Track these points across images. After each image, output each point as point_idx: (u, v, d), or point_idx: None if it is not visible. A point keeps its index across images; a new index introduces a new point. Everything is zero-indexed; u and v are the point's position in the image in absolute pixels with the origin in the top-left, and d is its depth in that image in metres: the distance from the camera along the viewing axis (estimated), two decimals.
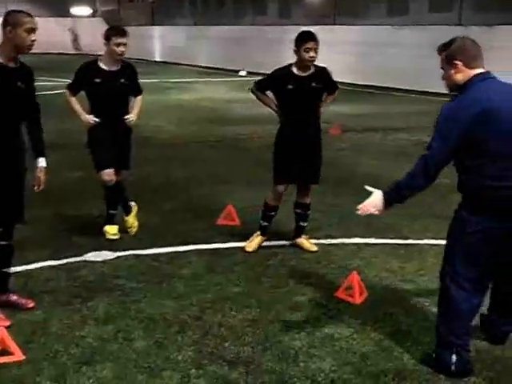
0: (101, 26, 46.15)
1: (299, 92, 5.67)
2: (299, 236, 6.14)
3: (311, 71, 5.71)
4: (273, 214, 6.07)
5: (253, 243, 6.01)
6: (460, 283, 3.81)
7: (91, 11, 51.37)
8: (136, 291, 5.03)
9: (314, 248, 6.03)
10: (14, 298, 4.70)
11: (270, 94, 5.98)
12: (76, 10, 49.84)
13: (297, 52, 5.64)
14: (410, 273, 5.47)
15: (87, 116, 6.09)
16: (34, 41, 4.31)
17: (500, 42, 18.82)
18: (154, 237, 6.35)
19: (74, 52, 44.58)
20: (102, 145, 6.08)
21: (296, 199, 6.11)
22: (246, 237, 6.22)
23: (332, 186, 8.39)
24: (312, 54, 5.56)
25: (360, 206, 4.04)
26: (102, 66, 6.05)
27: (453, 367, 3.79)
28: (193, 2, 39.59)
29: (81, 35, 45.64)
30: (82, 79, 6.08)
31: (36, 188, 4.68)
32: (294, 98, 5.71)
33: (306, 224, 6.15)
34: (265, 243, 6.13)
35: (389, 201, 3.95)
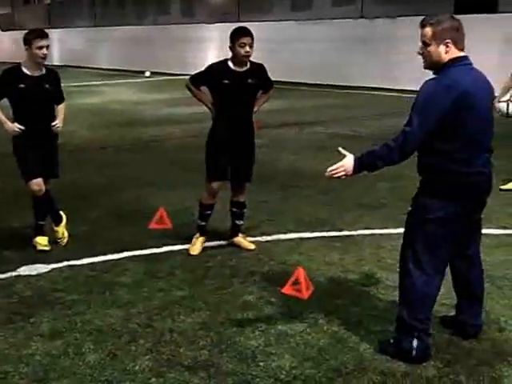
0: None
1: (235, 87, 5.65)
2: (236, 235, 6.12)
3: (247, 67, 5.70)
4: (209, 212, 6.02)
5: (196, 246, 5.94)
6: (423, 268, 3.88)
7: None
8: (78, 303, 4.87)
9: (252, 246, 6.03)
10: None
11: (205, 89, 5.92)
12: None
13: (232, 48, 5.61)
14: (350, 264, 5.56)
15: (11, 124, 5.84)
16: None
17: (403, 33, 19.42)
18: (86, 246, 6.17)
19: None
20: (28, 154, 5.85)
21: (231, 198, 6.09)
22: (180, 239, 6.18)
23: (256, 183, 8.35)
24: (247, 49, 5.54)
25: (330, 169, 3.98)
26: (26, 71, 5.83)
27: (413, 352, 3.88)
28: (91, 3, 38.77)
29: None
30: (5, 85, 5.84)
31: None
32: (229, 94, 5.68)
33: (242, 222, 6.15)
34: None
35: (359, 167, 3.93)
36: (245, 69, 5.69)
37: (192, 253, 5.88)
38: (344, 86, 20.60)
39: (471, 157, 3.77)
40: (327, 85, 21.08)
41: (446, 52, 3.76)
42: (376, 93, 19.52)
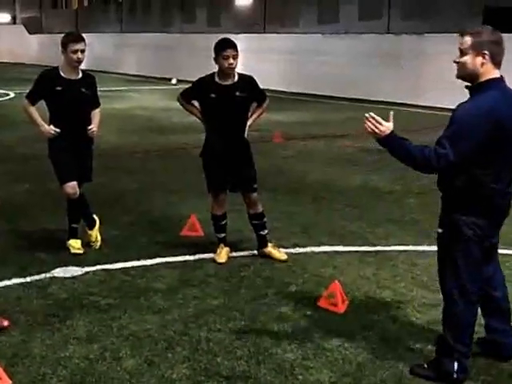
0: (21, 34, 45.14)
1: (221, 101, 5.65)
2: (265, 245, 6.08)
3: (235, 80, 5.70)
4: (223, 222, 6.03)
5: (222, 254, 5.93)
6: (469, 298, 3.86)
7: (10, 18, 50.04)
8: (114, 308, 4.87)
9: (284, 257, 5.99)
10: None
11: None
12: None
13: (216, 60, 5.64)
14: (384, 279, 5.52)
15: (47, 127, 5.88)
16: None
17: (429, 49, 19.40)
18: (119, 250, 6.19)
19: None
20: (64, 157, 5.89)
21: (247, 211, 6.07)
22: (212, 248, 6.16)
23: (284, 194, 8.42)
24: (231, 61, 5.54)
25: (372, 116, 3.94)
26: (63, 74, 5.88)
27: (455, 375, 3.83)
28: (118, 9, 39.07)
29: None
30: (43, 88, 5.89)
31: None
32: (215, 107, 5.70)
33: (265, 232, 6.08)
34: (234, 254, 6.08)
35: (389, 142, 3.89)
36: (231, 82, 5.68)
37: (219, 260, 5.86)
38: (369, 101, 20.51)
39: (504, 178, 3.74)
40: (352, 98, 21.04)
41: (481, 64, 3.69)
42: (402, 108, 19.43)
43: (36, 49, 43.26)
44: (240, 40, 26.54)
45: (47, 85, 5.86)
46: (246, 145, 5.92)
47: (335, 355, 4.19)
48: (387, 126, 3.87)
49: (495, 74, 3.74)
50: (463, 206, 3.82)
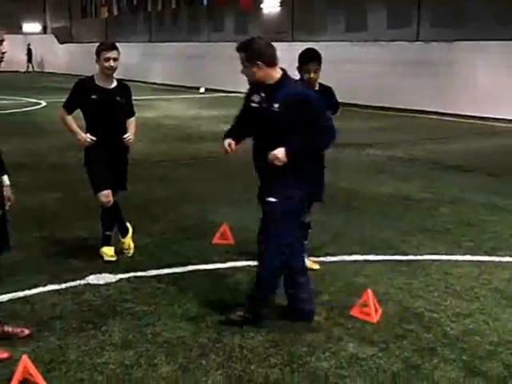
0: (51, 43, 45.80)
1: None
2: None
3: (315, 89, 5.69)
4: None
5: None
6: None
7: (41, 28, 50.76)
8: (148, 315, 4.92)
9: (316, 266, 5.99)
10: (10, 328, 4.49)
11: None
12: (27, 27, 49.14)
13: (299, 70, 5.64)
14: (417, 289, 5.49)
15: (84, 135, 5.95)
16: (4, 53, 4.14)
17: (459, 57, 19.30)
18: (151, 258, 6.24)
19: (27, 70, 43.91)
20: (99, 166, 5.95)
21: None
22: (243, 256, 6.19)
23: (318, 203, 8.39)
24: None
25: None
26: (98, 82, 5.95)
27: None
28: (147, 18, 39.44)
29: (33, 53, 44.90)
30: (78, 96, 5.96)
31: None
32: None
33: (305, 242, 6.09)
34: None
35: (292, 152, 4.46)
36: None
37: None
38: (398, 109, 20.48)
39: None
40: (381, 107, 20.99)
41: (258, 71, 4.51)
42: (432, 116, 19.37)
43: (66, 58, 43.85)
44: None
45: (82, 93, 5.94)
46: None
47: (369, 364, 4.19)
48: (278, 152, 4.40)
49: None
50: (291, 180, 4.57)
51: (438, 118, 19.18)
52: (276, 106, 4.46)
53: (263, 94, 4.56)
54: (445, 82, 19.53)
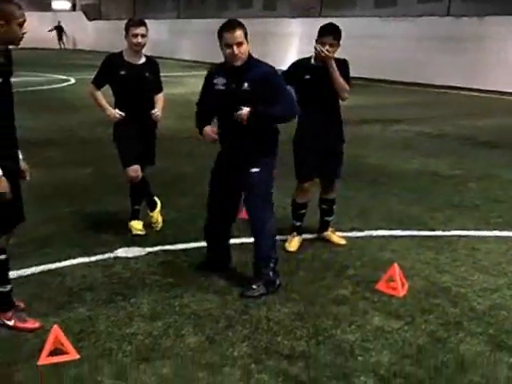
0: (80, 20, 45.95)
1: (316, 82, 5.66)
2: (325, 230, 6.13)
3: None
4: (303, 212, 6.01)
5: (293, 243, 5.94)
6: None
7: (70, 5, 50.93)
8: (176, 287, 4.99)
9: (343, 241, 6.02)
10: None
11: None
12: (57, 5, 49.34)
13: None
14: (444, 264, 5.49)
15: (112, 110, 6.00)
16: (24, 33, 4.14)
17: (490, 32, 18.98)
18: (179, 232, 6.30)
19: (56, 47, 44.15)
20: (128, 141, 5.99)
21: (320, 195, 6.08)
22: None
23: (344, 179, 8.34)
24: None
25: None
26: (126, 58, 5.98)
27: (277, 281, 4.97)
28: None
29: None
30: (107, 72, 5.99)
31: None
32: (311, 87, 5.68)
33: (331, 218, 6.12)
34: (290, 237, 6.11)
35: (257, 114, 4.73)
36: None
37: (289, 249, 5.86)
38: (428, 85, 20.27)
39: None
40: (410, 83, 20.78)
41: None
42: (462, 92, 19.15)
43: (95, 35, 43.98)
44: (296, 24, 26.51)
45: (111, 69, 5.97)
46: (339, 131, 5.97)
47: (395, 337, 4.21)
48: (244, 110, 4.66)
49: None
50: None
51: (468, 93, 18.94)
52: (246, 85, 4.73)
53: (229, 77, 4.81)
54: (475, 58, 19.25)
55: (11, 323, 4.28)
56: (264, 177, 4.95)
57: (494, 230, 6.39)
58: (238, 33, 4.64)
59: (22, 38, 4.15)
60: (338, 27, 5.57)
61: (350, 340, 4.18)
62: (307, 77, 5.61)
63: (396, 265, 4.98)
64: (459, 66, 19.68)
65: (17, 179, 4.17)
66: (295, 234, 6.00)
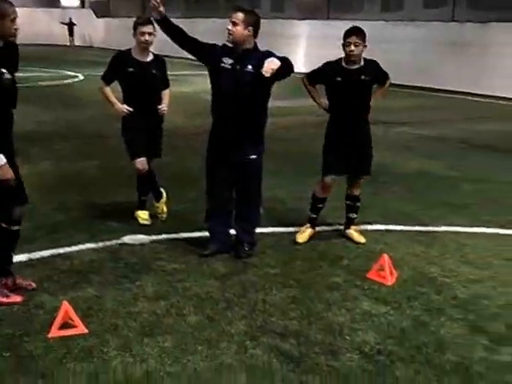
0: (89, 18, 46.27)
1: (348, 85, 5.82)
2: (348, 227, 6.31)
3: (361, 64, 5.86)
4: (321, 206, 6.23)
5: (304, 235, 6.16)
6: None
7: (79, 2, 51.26)
8: (179, 272, 5.30)
9: (363, 240, 6.16)
10: (21, 281, 4.85)
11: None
12: (65, 2, 49.69)
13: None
14: (433, 257, 5.79)
15: (120, 105, 6.30)
16: (16, 29, 4.42)
17: (494, 39, 19.21)
18: (184, 222, 6.59)
19: (64, 44, 44.45)
20: (135, 134, 6.29)
21: (346, 191, 6.28)
22: (270, 223, 6.51)
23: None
24: (352, 48, 5.70)
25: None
26: (135, 56, 6.28)
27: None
28: None
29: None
30: (115, 69, 6.29)
31: None
32: (342, 90, 5.86)
33: (355, 216, 6.31)
34: (290, 229, 6.41)
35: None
36: (357, 66, 5.85)
37: (299, 240, 6.10)
38: (432, 89, 20.52)
39: None
40: (415, 86, 21.04)
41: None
42: (465, 97, 19.40)
43: (103, 32, 44.32)
44: (303, 26, 26.71)
45: (120, 66, 6.27)
46: (367, 131, 6.13)
47: (381, 320, 4.52)
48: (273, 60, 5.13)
49: None
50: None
51: (471, 98, 19.18)
52: (250, 67, 5.30)
53: (235, 58, 5.37)
54: (479, 63, 19.50)
55: None
56: (260, 163, 5.64)
57: (484, 226, 6.68)
58: (238, 14, 5.32)
59: (15, 33, 4.45)
60: (360, 28, 5.83)
61: (339, 321, 4.49)
62: (338, 79, 5.82)
63: (385, 255, 5.28)
64: (463, 71, 19.93)
65: (15, 165, 4.49)
66: (308, 225, 6.24)
